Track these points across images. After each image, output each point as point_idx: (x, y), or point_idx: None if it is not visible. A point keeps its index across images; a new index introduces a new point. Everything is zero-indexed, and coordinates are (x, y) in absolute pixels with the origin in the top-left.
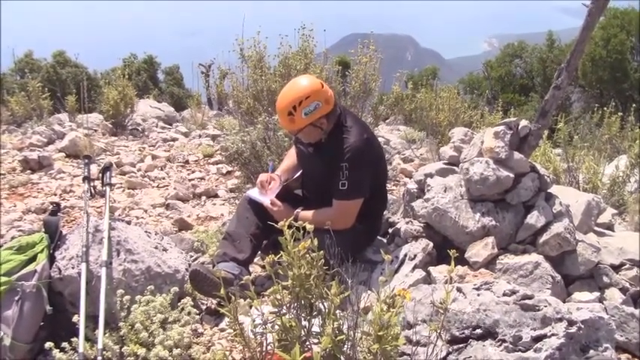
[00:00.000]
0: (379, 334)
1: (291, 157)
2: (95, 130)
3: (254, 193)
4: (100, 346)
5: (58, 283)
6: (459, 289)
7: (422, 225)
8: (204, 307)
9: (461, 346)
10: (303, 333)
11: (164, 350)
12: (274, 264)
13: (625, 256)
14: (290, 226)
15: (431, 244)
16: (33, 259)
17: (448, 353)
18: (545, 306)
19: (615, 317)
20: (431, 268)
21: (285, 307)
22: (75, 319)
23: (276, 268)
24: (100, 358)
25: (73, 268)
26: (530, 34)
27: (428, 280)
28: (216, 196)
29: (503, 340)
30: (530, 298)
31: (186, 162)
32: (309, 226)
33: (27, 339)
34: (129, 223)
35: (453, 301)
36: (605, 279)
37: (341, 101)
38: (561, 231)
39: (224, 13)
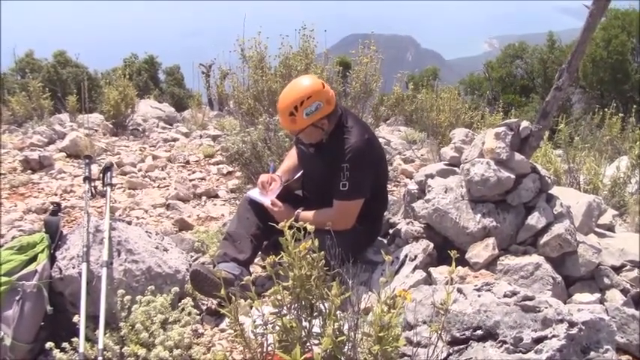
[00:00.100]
0: (380, 335)
1: (291, 158)
2: (96, 130)
3: (254, 193)
4: (100, 346)
5: (58, 283)
6: (459, 290)
7: (422, 226)
8: (204, 308)
9: (461, 347)
10: (303, 334)
11: (164, 351)
12: (275, 264)
13: (626, 258)
14: (291, 227)
15: (431, 245)
16: (34, 259)
17: (449, 354)
18: (546, 307)
19: (616, 319)
20: (431, 269)
21: (285, 308)
22: (75, 319)
23: (277, 268)
24: (100, 358)
25: (73, 268)
26: (530, 35)
27: (428, 280)
28: (216, 196)
29: (504, 342)
30: (530, 299)
31: (187, 162)
32: (310, 227)
33: (27, 339)
34: (129, 223)
35: (453, 302)
36: (606, 280)
37: (342, 102)
38: (562, 232)
39: (224, 14)
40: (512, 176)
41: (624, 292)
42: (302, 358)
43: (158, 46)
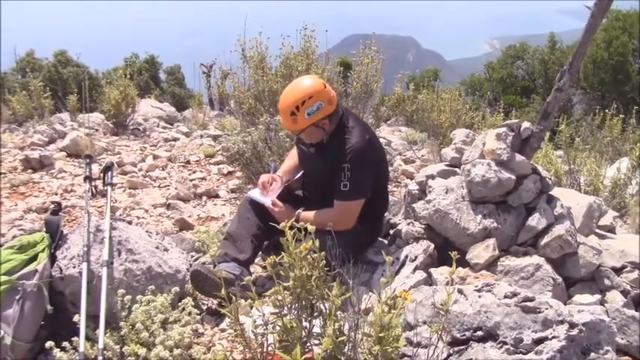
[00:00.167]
0: (380, 335)
1: (292, 158)
2: (96, 130)
3: (255, 193)
4: (100, 345)
5: (59, 282)
6: (460, 291)
7: (423, 226)
8: (204, 308)
9: (462, 347)
10: (304, 334)
11: (165, 350)
12: (275, 265)
13: (626, 259)
14: (291, 227)
15: (432, 246)
16: (34, 258)
17: (449, 355)
18: (547, 308)
19: (616, 320)
20: (432, 270)
21: (286, 308)
22: (76, 318)
23: (278, 268)
24: (100, 357)
25: (74, 267)
26: (531, 36)
27: (429, 281)
28: (217, 196)
29: (504, 342)
30: (531, 300)
31: (188, 162)
32: (311, 227)
33: (28, 338)
34: (130, 222)
35: (453, 303)
36: (607, 281)
37: (342, 102)
38: (562, 233)
39: (224, 14)
40: (513, 177)
41: (624, 293)
42: (302, 358)
43: (158, 46)
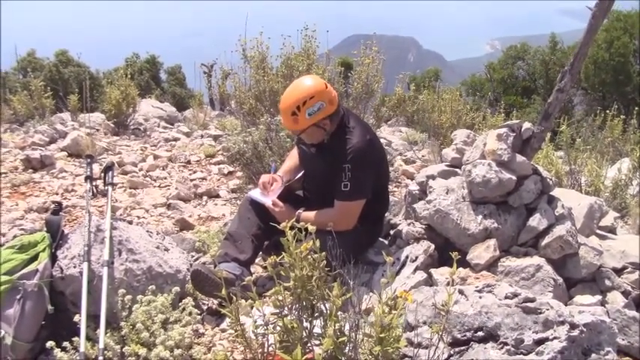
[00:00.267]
0: (381, 335)
1: (293, 158)
2: (97, 130)
3: (256, 193)
4: (101, 345)
5: (59, 282)
6: (460, 292)
7: (423, 227)
8: (205, 308)
9: (462, 348)
10: (304, 334)
11: (165, 350)
12: (276, 265)
13: (627, 260)
14: (292, 227)
15: (432, 246)
16: (35, 258)
17: (450, 355)
18: (547, 309)
19: (617, 321)
20: (432, 270)
21: (286, 308)
22: (76, 318)
23: (278, 269)
24: (101, 357)
25: (74, 267)
26: (532, 36)
27: (429, 282)
28: (217, 196)
29: (505, 343)
30: (532, 300)
31: (188, 162)
32: (311, 227)
33: (28, 338)
34: (130, 222)
35: (454, 304)
36: (607, 282)
37: (343, 102)
38: (563, 234)
39: (225, 14)
40: (514, 178)
41: (625, 294)
42: (303, 358)
43: (159, 46)
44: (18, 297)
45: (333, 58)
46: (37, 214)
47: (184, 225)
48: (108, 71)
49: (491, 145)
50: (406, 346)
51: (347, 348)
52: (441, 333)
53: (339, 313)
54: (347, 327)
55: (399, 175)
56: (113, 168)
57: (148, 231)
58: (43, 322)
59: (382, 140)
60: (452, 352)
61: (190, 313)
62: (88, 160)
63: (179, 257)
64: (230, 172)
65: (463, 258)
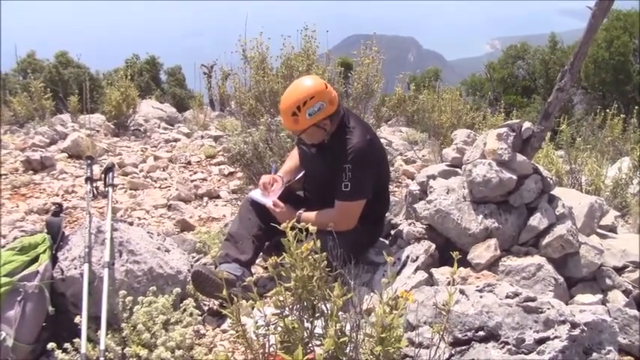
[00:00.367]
0: (382, 335)
1: (293, 159)
2: (97, 131)
3: (256, 194)
4: (102, 347)
5: (60, 283)
6: (461, 291)
7: (424, 227)
8: (206, 309)
9: (463, 348)
10: (305, 334)
11: (166, 351)
12: (277, 265)
13: (628, 259)
14: (293, 228)
15: (433, 246)
16: (35, 259)
17: (451, 355)
18: (548, 308)
19: (618, 320)
20: (433, 270)
21: (287, 309)
22: (77, 319)
23: (279, 269)
24: (102, 359)
25: (75, 268)
26: (532, 36)
27: (430, 281)
28: (218, 197)
29: (506, 343)
30: (532, 300)
31: (189, 163)
32: (312, 228)
33: (29, 340)
34: (131, 224)
35: (455, 303)
36: (608, 281)
37: (343, 102)
38: (564, 233)
39: (225, 14)
40: (514, 177)
41: (626, 293)
42: (304, 359)
43: (158, 47)
44: (19, 299)
45: (333, 59)
46: (38, 215)
47: (185, 226)
48: (108, 72)
49: (491, 144)
50: (407, 346)
51: (348, 348)
52: (442, 333)
53: (340, 313)
54: (348, 327)
55: (400, 175)
56: (113, 169)
57: (148, 232)
58: (44, 324)
59: (382, 140)
60: (453, 352)
61: (191, 314)
62: (89, 161)
63: (180, 258)
64: (230, 173)
65: (464, 258)
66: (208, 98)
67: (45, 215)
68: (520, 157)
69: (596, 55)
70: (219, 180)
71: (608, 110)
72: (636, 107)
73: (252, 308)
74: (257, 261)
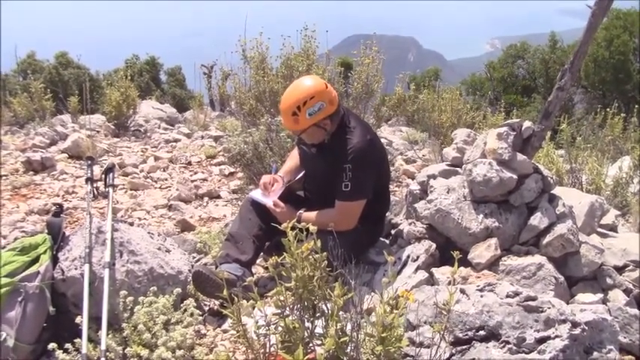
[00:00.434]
0: (382, 335)
1: (293, 159)
2: (98, 132)
3: (256, 194)
4: (103, 347)
5: (61, 284)
6: (462, 291)
7: (425, 226)
8: (207, 309)
9: (464, 347)
10: (306, 334)
11: (167, 351)
12: (277, 265)
13: (628, 258)
14: (293, 228)
15: (434, 246)
16: (36, 260)
17: (451, 355)
18: (549, 307)
19: (619, 319)
20: (434, 270)
21: (288, 309)
22: (78, 320)
23: (279, 269)
24: (103, 359)
25: (76, 269)
26: (532, 35)
27: (431, 281)
28: (218, 197)
29: (507, 342)
30: (533, 299)
31: (189, 163)
32: (312, 228)
33: (30, 340)
34: (132, 224)
35: (456, 303)
36: (609, 280)
37: (343, 102)
38: (564, 232)
39: (224, 14)
40: (515, 176)
41: (627, 292)
42: (305, 358)
43: (158, 47)
44: (19, 299)
45: (332, 58)
46: (38, 216)
47: (185, 226)
48: (108, 73)
49: (491, 144)
50: (408, 345)
51: (349, 348)
52: (442, 332)
53: (340, 313)
54: (349, 327)
55: (400, 175)
56: (114, 169)
57: (149, 232)
58: (45, 324)
59: (383, 140)
60: (453, 352)
61: (192, 314)
62: (89, 161)
63: (180, 258)
64: (231, 173)
65: (464, 257)
66: (208, 98)
67: (45, 216)
68: (520, 157)
69: (596, 54)
70: (220, 180)
71: (608, 109)
72: (636, 106)
73: (253, 308)
74: (257, 261)
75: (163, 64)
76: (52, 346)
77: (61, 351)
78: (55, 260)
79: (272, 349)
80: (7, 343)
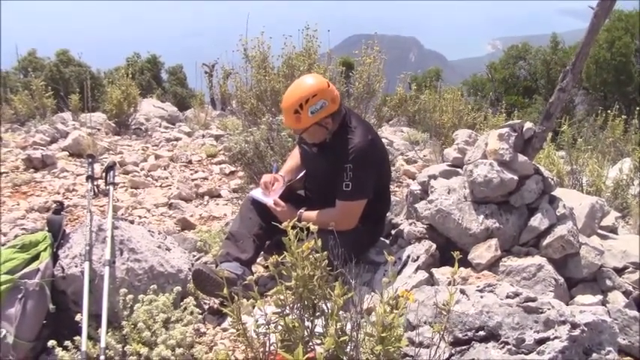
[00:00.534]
0: (382, 335)
1: (294, 158)
2: (98, 130)
3: (257, 193)
4: (102, 344)
5: (61, 281)
6: (462, 291)
7: (425, 226)
8: (206, 307)
9: (464, 348)
10: (306, 333)
11: (166, 350)
12: (277, 264)
13: (628, 259)
14: (294, 227)
15: (434, 246)
16: (36, 257)
17: (451, 355)
18: (549, 308)
19: (618, 320)
20: (434, 270)
21: (288, 308)
22: (78, 317)
23: (280, 268)
24: (102, 357)
25: (76, 266)
26: (533, 36)
27: (431, 281)
28: (219, 196)
29: (506, 343)
30: (533, 300)
31: (190, 162)
32: (313, 227)
33: (30, 337)
34: (132, 222)
35: (456, 303)
36: (608, 282)
37: (344, 102)
38: (565, 234)
39: (224, 15)
40: (515, 177)
41: (626, 294)
42: (304, 357)
43: (159, 47)
44: (19, 296)
45: (334, 58)
46: (39, 213)
47: (186, 225)
48: (109, 71)
49: (492, 144)
50: (407, 345)
51: (348, 347)
52: (442, 332)
53: (340, 312)
54: (348, 326)
55: (401, 175)
56: (114, 168)
57: (149, 230)
58: (45, 322)
59: (384, 140)
60: (453, 352)
61: (192, 313)
62: (90, 159)
63: (180, 257)
64: (231, 172)
65: (464, 258)
66: (209, 97)
67: (46, 213)
68: (521, 158)
69: (597, 56)
70: (220, 179)
71: (609, 111)
72: (637, 108)
73: (253, 307)
74: (258, 260)
75: (164, 62)
76: (51, 343)
77: (61, 348)
78: (55, 258)
79: (272, 347)
80: (7, 340)
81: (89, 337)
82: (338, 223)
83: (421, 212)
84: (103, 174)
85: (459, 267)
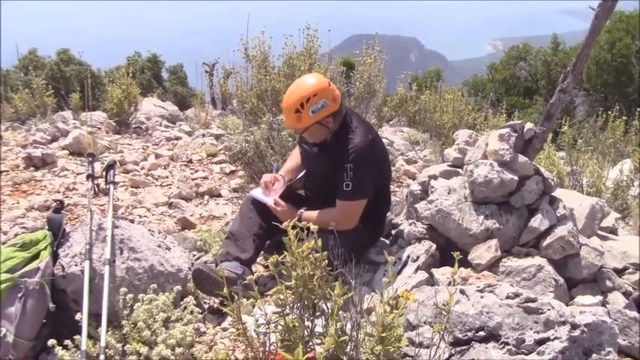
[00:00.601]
0: (382, 335)
1: (294, 158)
2: (99, 128)
3: (257, 192)
4: (102, 344)
5: (61, 280)
6: (462, 292)
7: (425, 227)
8: (206, 306)
9: (463, 348)
10: (306, 333)
11: (166, 349)
12: (278, 264)
13: (628, 260)
14: (294, 227)
15: (434, 246)
16: (36, 256)
17: (451, 355)
18: (549, 309)
19: (618, 321)
20: (434, 270)
21: (288, 307)
22: (78, 316)
23: (280, 268)
24: (102, 356)
25: (76, 265)
26: (534, 37)
27: (431, 281)
28: (219, 195)
29: (506, 343)
30: (533, 301)
31: (190, 161)
32: (313, 227)
33: (30, 336)
34: (132, 221)
35: (455, 303)
36: (608, 283)
37: (345, 102)
38: (565, 234)
39: (224, 15)
40: (516, 178)
41: (626, 294)
42: (304, 357)
43: (159, 47)
44: (19, 295)
45: (334, 58)
46: (39, 212)
47: (186, 224)
48: (109, 70)
49: (493, 145)
50: (407, 345)
51: (348, 347)
52: (442, 332)
53: (340, 312)
54: (348, 326)
55: (401, 175)
56: (115, 167)
57: (149, 230)
58: (45, 320)
59: (384, 140)
60: (453, 352)
61: (192, 312)
62: (90, 158)
63: (181, 256)
64: (232, 172)
65: (464, 258)
66: (210, 97)
67: (46, 212)
68: (521, 158)
69: (598, 57)
70: (221, 178)
71: (609, 112)
72: (638, 109)
73: (253, 306)
74: (258, 259)
75: (165, 61)
76: (51, 342)
77: (61, 347)
78: (55, 256)
79: (272, 347)
80: (7, 339)
81: (89, 336)
82: (338, 223)
83: (421, 212)
84: (104, 173)
85: (459, 267)
